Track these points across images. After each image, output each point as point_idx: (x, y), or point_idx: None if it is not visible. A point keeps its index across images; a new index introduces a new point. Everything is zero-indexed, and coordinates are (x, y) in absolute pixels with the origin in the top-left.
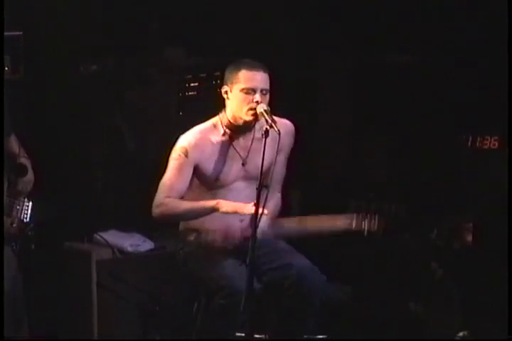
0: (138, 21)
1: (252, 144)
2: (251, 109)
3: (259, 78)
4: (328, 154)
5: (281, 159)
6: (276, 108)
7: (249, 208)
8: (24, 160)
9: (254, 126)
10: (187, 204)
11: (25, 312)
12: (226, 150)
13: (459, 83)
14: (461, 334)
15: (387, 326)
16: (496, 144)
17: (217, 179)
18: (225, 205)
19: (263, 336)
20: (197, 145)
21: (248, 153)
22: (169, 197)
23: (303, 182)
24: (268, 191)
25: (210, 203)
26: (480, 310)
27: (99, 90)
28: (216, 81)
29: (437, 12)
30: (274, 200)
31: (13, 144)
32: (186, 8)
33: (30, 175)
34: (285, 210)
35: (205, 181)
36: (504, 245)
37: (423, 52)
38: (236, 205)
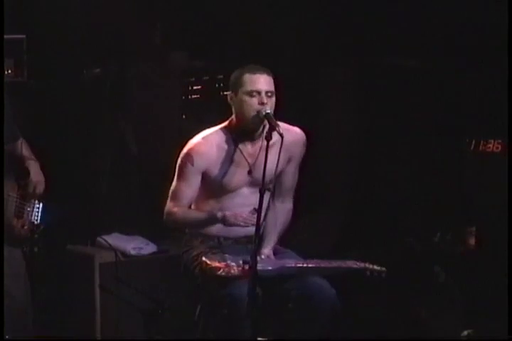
0: (141, 25)
1: (260, 151)
2: (256, 111)
3: (262, 80)
4: (328, 157)
5: (291, 168)
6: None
7: (253, 218)
8: (32, 163)
9: (262, 132)
10: (195, 215)
11: (32, 315)
12: (233, 156)
13: (462, 86)
14: (465, 332)
15: (390, 328)
16: (499, 147)
17: (223, 184)
18: (230, 218)
19: (266, 339)
20: (203, 151)
21: (256, 160)
22: (178, 206)
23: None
24: (271, 196)
25: (217, 215)
26: (480, 310)
27: (102, 93)
28: (219, 84)
29: (440, 15)
30: (285, 214)
31: (22, 148)
32: (189, 11)
33: (39, 177)
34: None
35: (212, 186)
36: (506, 248)
37: (426, 55)
38: (242, 215)
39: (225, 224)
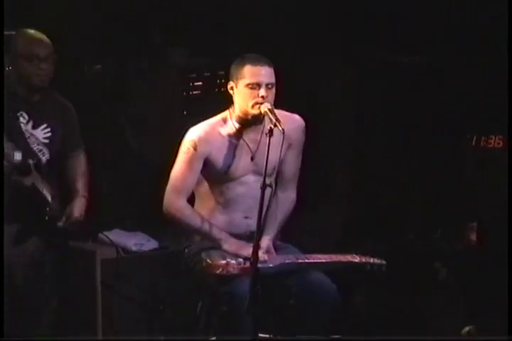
0: (141, 21)
1: (261, 137)
2: (257, 103)
3: (263, 73)
4: (328, 156)
5: (292, 156)
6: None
7: (250, 250)
8: (81, 199)
9: (263, 119)
10: (198, 223)
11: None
12: (236, 144)
13: (463, 82)
14: (467, 328)
15: (391, 325)
16: (501, 143)
17: (226, 172)
18: (227, 243)
19: (268, 336)
20: (206, 138)
21: (258, 146)
22: (180, 193)
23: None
24: (273, 189)
25: (217, 235)
26: (481, 307)
27: (102, 90)
28: (220, 80)
29: (439, 12)
30: (286, 204)
31: (78, 162)
32: (189, 7)
33: (79, 215)
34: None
35: (215, 174)
36: (507, 245)
37: (427, 52)
38: (238, 245)
39: (221, 247)
